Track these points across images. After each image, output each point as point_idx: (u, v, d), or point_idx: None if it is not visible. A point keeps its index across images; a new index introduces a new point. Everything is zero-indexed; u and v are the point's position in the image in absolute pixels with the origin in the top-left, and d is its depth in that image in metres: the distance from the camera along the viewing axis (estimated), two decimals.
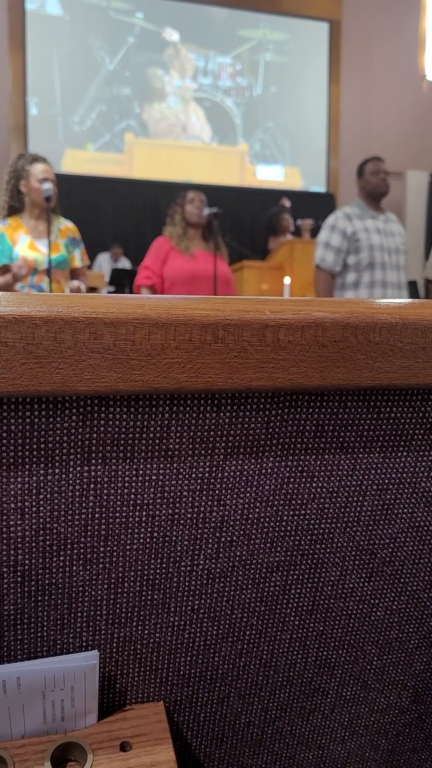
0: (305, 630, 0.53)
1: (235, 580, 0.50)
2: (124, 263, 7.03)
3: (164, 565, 0.48)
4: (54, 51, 7.65)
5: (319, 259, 2.88)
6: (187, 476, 0.46)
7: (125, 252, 7.23)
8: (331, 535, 0.51)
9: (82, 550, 0.45)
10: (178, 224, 2.91)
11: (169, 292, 2.87)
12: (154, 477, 0.45)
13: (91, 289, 4.85)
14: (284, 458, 0.47)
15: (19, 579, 0.45)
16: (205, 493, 0.46)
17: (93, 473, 0.44)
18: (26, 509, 0.43)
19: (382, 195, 2.92)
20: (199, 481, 0.46)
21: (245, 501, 0.48)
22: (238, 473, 0.47)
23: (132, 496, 0.45)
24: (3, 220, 2.57)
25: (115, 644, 0.49)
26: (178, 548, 0.47)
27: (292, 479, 0.48)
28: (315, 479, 0.49)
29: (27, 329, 0.37)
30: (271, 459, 0.47)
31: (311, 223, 5.86)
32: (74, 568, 0.46)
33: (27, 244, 2.52)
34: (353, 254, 2.82)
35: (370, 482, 0.50)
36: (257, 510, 0.48)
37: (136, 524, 0.46)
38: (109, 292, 5.67)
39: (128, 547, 0.46)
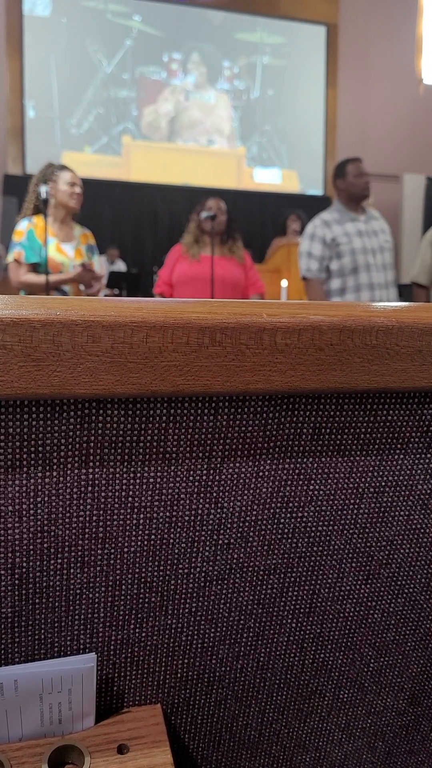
0: (302, 632, 0.54)
1: (232, 582, 0.50)
2: (120, 265, 7.03)
3: (162, 568, 0.48)
4: (51, 54, 7.66)
5: (305, 270, 2.88)
6: (184, 479, 0.46)
7: (121, 254, 7.23)
8: (328, 538, 0.51)
9: (79, 553, 0.45)
10: (192, 231, 2.96)
11: (175, 295, 2.91)
12: (151, 480, 0.45)
13: None
14: (281, 461, 0.48)
15: (16, 582, 0.45)
16: (202, 495, 0.47)
17: (91, 476, 0.44)
18: (24, 512, 0.43)
19: (364, 198, 2.90)
20: (196, 483, 0.46)
21: (242, 504, 0.48)
22: (235, 476, 0.47)
23: (129, 499, 0.45)
24: (28, 218, 2.60)
25: (112, 647, 0.49)
26: (176, 551, 0.48)
27: (289, 482, 0.48)
28: (312, 482, 0.49)
29: (25, 332, 0.37)
30: (268, 462, 0.47)
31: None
32: (72, 570, 0.46)
33: (54, 247, 2.55)
34: (336, 260, 2.80)
35: (366, 485, 0.50)
36: (254, 513, 0.48)
37: (134, 527, 0.46)
38: (106, 295, 5.67)
39: (126, 549, 0.46)
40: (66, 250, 2.57)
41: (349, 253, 2.78)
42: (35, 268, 2.55)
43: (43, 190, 2.51)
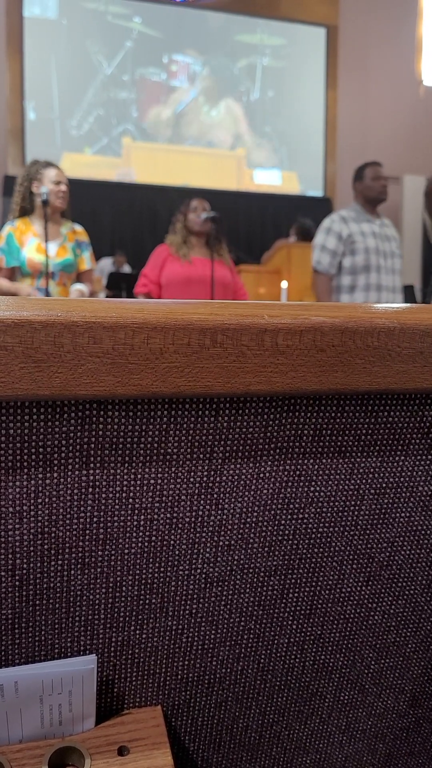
0: (303, 634, 0.53)
1: (232, 584, 0.50)
2: (126, 271, 7.02)
3: (162, 569, 0.48)
4: (51, 55, 7.67)
5: (315, 262, 2.92)
6: (185, 480, 0.46)
7: (128, 260, 7.22)
8: (328, 539, 0.51)
9: (80, 554, 0.45)
10: (179, 232, 2.91)
11: (165, 296, 2.87)
12: (152, 481, 0.45)
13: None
14: (282, 462, 0.48)
15: (17, 583, 0.45)
16: (203, 497, 0.47)
17: (91, 477, 0.44)
18: (24, 513, 0.43)
19: (381, 201, 2.94)
20: (197, 485, 0.46)
21: (243, 505, 0.48)
22: (236, 477, 0.47)
23: (130, 500, 0.45)
24: (11, 221, 2.59)
25: (113, 648, 0.49)
26: (176, 552, 0.47)
27: (290, 483, 0.48)
28: (313, 483, 0.49)
29: (26, 333, 0.37)
30: (269, 463, 0.47)
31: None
32: (72, 572, 0.46)
33: (35, 246, 2.54)
34: (349, 256, 2.84)
35: (367, 486, 0.50)
36: (255, 514, 0.48)
37: (135, 528, 0.46)
38: (106, 296, 5.68)
39: (126, 551, 0.46)
40: (47, 249, 2.56)
41: (363, 251, 2.81)
42: (15, 271, 2.55)
43: (44, 191, 2.51)
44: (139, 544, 0.46)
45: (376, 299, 2.83)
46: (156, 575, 0.48)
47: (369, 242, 2.82)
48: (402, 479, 0.51)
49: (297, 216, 6.30)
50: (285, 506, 0.49)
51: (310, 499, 0.49)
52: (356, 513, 0.51)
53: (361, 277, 2.82)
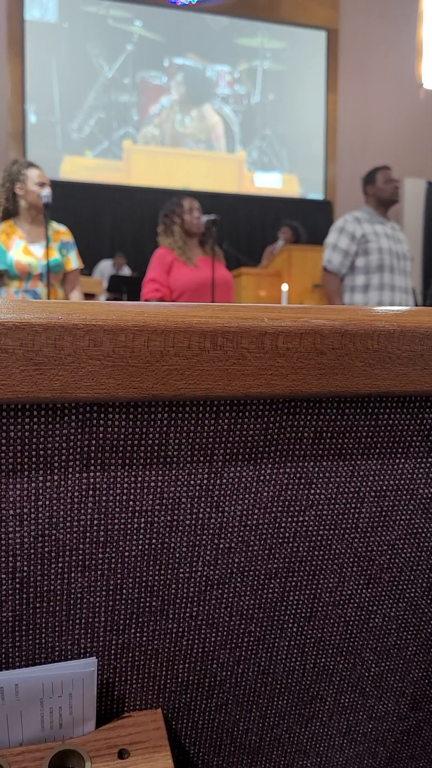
0: (303, 637, 0.53)
1: (233, 586, 0.50)
2: (126, 272, 7.03)
3: (163, 572, 0.48)
4: (52, 58, 7.69)
5: (326, 261, 2.93)
6: (185, 483, 0.46)
7: (128, 262, 7.22)
8: (329, 542, 0.51)
9: (80, 557, 0.45)
10: (177, 235, 2.86)
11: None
12: (152, 484, 0.45)
13: (90, 296, 4.86)
14: (282, 465, 0.48)
15: (17, 586, 0.45)
16: (203, 499, 0.47)
17: (92, 480, 0.44)
18: (25, 516, 0.43)
19: (393, 203, 2.97)
20: (197, 487, 0.46)
21: (243, 508, 0.48)
22: (236, 480, 0.47)
23: (131, 503, 0.45)
24: None
25: (113, 651, 0.49)
26: (177, 555, 0.47)
27: (290, 486, 0.48)
28: (313, 486, 0.49)
29: (27, 336, 0.37)
30: (270, 466, 0.47)
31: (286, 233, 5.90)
32: (73, 574, 0.46)
33: (21, 249, 2.53)
34: (362, 256, 2.85)
35: (368, 489, 0.50)
36: (255, 517, 0.48)
37: (135, 531, 0.46)
38: (107, 299, 5.68)
39: (127, 553, 0.46)
40: (34, 251, 2.54)
41: (377, 251, 2.83)
42: (2, 275, 2.55)
43: (46, 193, 2.50)
44: (140, 547, 0.46)
45: (390, 299, 2.83)
46: (156, 578, 0.48)
47: (383, 243, 2.84)
48: (402, 482, 0.51)
49: (295, 218, 6.33)
50: (285, 509, 0.49)
51: (310, 502, 0.49)
52: (356, 516, 0.51)
53: (375, 276, 2.84)
